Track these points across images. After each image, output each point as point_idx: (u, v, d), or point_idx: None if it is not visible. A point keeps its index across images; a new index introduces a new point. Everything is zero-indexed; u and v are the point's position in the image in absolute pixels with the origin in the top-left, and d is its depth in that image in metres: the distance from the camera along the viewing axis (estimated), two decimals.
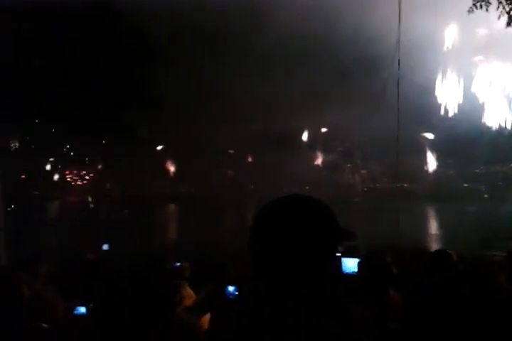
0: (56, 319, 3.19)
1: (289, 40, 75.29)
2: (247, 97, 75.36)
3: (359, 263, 2.50)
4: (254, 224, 1.22)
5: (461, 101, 69.96)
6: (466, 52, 65.61)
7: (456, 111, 72.00)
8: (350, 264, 2.46)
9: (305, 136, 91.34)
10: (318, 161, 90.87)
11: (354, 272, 2.47)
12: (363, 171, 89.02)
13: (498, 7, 5.03)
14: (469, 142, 69.87)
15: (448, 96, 72.41)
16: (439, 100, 73.44)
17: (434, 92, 74.20)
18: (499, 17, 5.13)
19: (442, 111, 73.97)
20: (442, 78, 73.00)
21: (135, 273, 2.24)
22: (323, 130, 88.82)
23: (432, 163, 78.89)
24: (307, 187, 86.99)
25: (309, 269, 1.14)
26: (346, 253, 3.78)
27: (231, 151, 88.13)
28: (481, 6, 5.10)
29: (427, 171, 78.79)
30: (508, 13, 4.94)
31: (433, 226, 44.62)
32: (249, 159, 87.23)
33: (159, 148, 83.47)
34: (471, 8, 5.24)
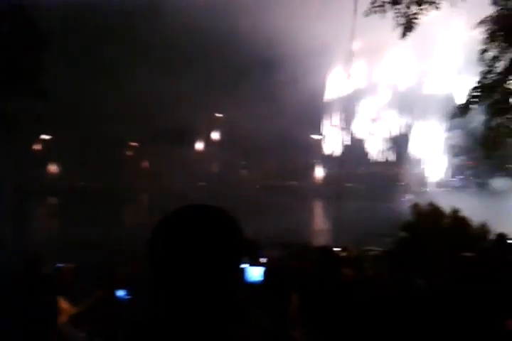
0: None
1: (188, 38, 74.74)
2: (143, 93, 73.29)
3: (264, 272, 2.38)
4: (156, 232, 1.10)
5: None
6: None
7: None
8: (256, 273, 2.31)
9: (201, 134, 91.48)
10: (213, 158, 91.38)
11: (259, 281, 2.33)
12: (257, 169, 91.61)
13: (395, 17, 5.30)
14: (352, 146, 75.74)
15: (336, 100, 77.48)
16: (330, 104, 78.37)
17: (323, 96, 78.86)
18: (394, 28, 5.42)
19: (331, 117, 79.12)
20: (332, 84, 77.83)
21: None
22: (220, 128, 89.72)
23: (318, 163, 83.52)
24: (200, 183, 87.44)
25: (211, 282, 1.06)
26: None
27: (127, 148, 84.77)
28: (376, 12, 5.33)
29: (315, 170, 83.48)
30: (403, 24, 5.22)
31: (321, 223, 47.10)
32: (144, 155, 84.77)
33: (46, 138, 77.37)
34: (367, 11, 5.45)
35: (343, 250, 5.75)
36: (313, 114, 78.03)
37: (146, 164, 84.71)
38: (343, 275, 4.51)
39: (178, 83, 72.43)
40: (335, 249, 6.01)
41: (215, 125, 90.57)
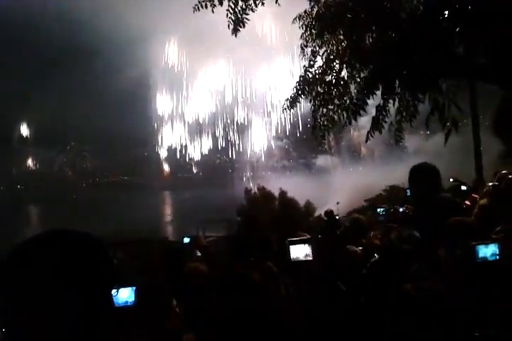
0: None
1: None
2: None
3: (136, 291, 2.17)
4: (11, 263, 0.97)
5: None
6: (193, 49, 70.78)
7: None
8: (124, 295, 2.06)
9: (20, 130, 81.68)
10: (32, 157, 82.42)
11: (129, 302, 2.10)
12: (84, 166, 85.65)
13: (227, 15, 5.34)
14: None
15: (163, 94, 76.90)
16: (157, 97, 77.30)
17: (150, 88, 77.33)
18: (228, 26, 5.46)
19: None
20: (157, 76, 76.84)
21: None
22: (35, 122, 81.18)
23: (150, 155, 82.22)
24: (18, 186, 78.32)
25: (78, 315, 0.95)
26: None
27: None
28: (206, 6, 5.26)
29: (148, 164, 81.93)
30: (233, 21, 5.29)
31: (160, 215, 46.62)
32: None
33: None
34: (196, 5, 5.38)
35: (192, 240, 5.68)
36: (140, 105, 76.07)
37: None
38: (195, 272, 4.34)
39: None
40: (185, 240, 5.92)
41: (27, 117, 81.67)
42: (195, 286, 3.66)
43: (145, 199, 53.29)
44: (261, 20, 63.22)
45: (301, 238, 3.28)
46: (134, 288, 2.31)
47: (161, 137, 79.80)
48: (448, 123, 3.58)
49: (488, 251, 2.56)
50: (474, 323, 1.84)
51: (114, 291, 1.07)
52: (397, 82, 4.23)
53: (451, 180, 11.17)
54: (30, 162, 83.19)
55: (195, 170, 79.30)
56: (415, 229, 3.67)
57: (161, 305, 2.23)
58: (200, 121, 76.43)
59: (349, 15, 4.59)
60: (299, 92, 5.32)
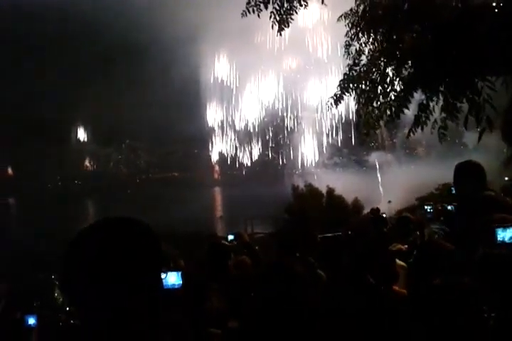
0: None
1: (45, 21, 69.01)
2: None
3: (183, 275, 2.37)
4: (75, 247, 1.05)
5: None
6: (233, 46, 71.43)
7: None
8: (172, 279, 2.25)
9: (76, 127, 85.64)
10: (88, 155, 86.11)
11: (176, 285, 2.30)
12: (138, 162, 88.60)
13: (270, 16, 5.50)
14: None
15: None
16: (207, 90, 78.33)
17: (199, 84, 78.54)
18: (272, 26, 5.65)
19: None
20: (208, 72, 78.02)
21: None
22: (92, 121, 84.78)
23: (200, 153, 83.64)
24: (76, 181, 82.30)
25: (132, 298, 1.04)
26: None
27: None
28: (253, 11, 5.45)
29: (198, 161, 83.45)
30: (278, 22, 5.47)
31: (210, 211, 47.52)
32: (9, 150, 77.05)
33: None
34: (244, 11, 5.57)
35: (236, 236, 5.87)
36: (192, 105, 77.53)
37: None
38: (242, 264, 4.45)
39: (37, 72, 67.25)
40: (229, 237, 6.11)
41: (85, 118, 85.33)
42: (240, 277, 3.80)
43: (196, 194, 54.41)
44: (312, 33, 63.06)
45: (332, 234, 3.39)
46: (180, 272, 2.50)
47: (212, 137, 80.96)
48: (482, 122, 3.56)
49: (506, 234, 2.52)
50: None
51: (163, 275, 1.16)
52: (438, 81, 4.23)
53: (506, 178, 10.75)
54: (87, 160, 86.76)
55: (245, 171, 79.77)
56: (455, 227, 3.63)
57: (202, 291, 2.41)
58: (250, 125, 76.83)
59: (390, 16, 4.62)
60: (344, 90, 5.38)
